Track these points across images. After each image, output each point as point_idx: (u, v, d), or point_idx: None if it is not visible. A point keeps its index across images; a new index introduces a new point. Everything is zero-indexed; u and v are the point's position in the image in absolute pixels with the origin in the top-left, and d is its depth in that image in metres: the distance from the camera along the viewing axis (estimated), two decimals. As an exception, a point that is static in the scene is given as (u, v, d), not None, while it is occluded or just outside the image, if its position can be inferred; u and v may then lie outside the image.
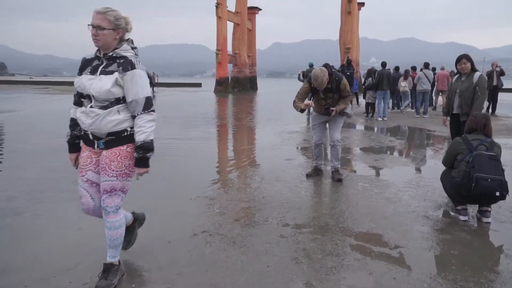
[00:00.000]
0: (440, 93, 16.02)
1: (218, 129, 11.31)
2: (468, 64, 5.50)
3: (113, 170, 2.46)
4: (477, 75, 5.45)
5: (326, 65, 5.25)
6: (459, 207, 3.90)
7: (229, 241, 3.30)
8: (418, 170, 6.21)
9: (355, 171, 5.99)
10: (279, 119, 13.22)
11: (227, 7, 33.40)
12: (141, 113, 2.43)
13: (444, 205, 4.30)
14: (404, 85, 14.31)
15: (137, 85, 2.40)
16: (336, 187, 5.02)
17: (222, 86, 34.34)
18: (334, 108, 5.08)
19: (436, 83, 14.68)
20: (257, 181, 5.26)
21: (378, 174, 5.84)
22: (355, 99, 18.24)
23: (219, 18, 32.88)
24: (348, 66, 14.13)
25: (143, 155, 2.43)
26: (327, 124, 5.45)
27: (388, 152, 7.66)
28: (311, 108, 5.64)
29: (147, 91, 2.48)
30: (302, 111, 5.16)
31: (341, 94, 5.15)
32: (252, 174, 5.71)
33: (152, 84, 33.76)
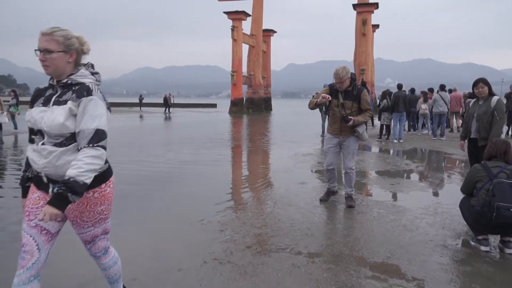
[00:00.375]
0: (454, 115, 15.94)
1: (231, 151, 11.31)
2: (486, 88, 5.41)
3: (86, 222, 2.14)
4: (495, 99, 5.34)
5: (352, 76, 4.98)
6: (479, 237, 3.75)
7: (240, 270, 3.22)
8: (436, 195, 6.04)
9: (370, 195, 5.86)
10: (294, 140, 13.17)
11: (242, 30, 33.99)
12: (85, 146, 1.96)
13: (464, 234, 4.14)
14: (424, 107, 14.23)
15: (88, 113, 1.98)
16: (350, 213, 4.91)
17: (237, 107, 34.61)
18: (352, 118, 4.80)
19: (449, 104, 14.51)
20: (270, 206, 5.18)
21: (394, 199, 5.70)
22: (370, 120, 18.10)
23: (234, 40, 33.46)
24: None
25: (62, 192, 1.86)
26: (341, 148, 5.17)
27: (405, 176, 7.50)
28: (325, 129, 5.49)
29: (100, 122, 2.00)
30: (315, 107, 4.94)
31: (361, 105, 4.93)
32: (265, 198, 5.64)
33: (168, 105, 34.43)
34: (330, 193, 5.48)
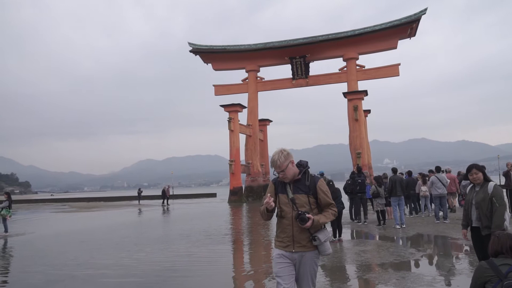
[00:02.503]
0: (451, 195, 15.91)
1: (230, 246, 10.77)
2: (480, 174, 5.27)
3: None
4: (491, 185, 5.17)
5: (301, 162, 3.74)
6: None
7: None
8: (446, 291, 5.52)
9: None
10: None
11: (239, 120, 35.15)
12: None
13: None
14: (424, 189, 14.09)
15: None
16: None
17: (236, 195, 34.32)
18: (311, 216, 3.37)
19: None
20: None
21: (400, 299, 5.19)
22: (370, 204, 17.67)
23: (231, 131, 34.40)
24: (358, 173, 14.01)
25: None
26: (294, 267, 3.53)
27: (411, 268, 6.99)
28: (273, 244, 3.73)
29: None
30: (268, 215, 3.59)
31: (319, 200, 3.53)
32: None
33: (166, 197, 34.29)
34: None
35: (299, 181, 3.58)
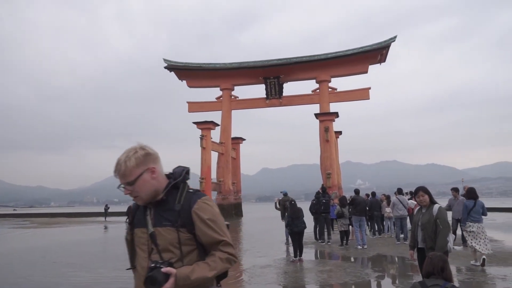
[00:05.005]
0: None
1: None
2: (426, 197, 5.46)
3: None
4: (436, 207, 5.36)
5: (172, 173, 2.11)
6: None
7: None
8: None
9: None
10: (254, 250, 12.61)
11: (211, 138, 35.07)
12: None
13: None
14: (389, 210, 14.37)
15: None
16: None
17: (206, 213, 33.94)
18: (172, 271, 1.82)
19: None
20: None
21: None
22: (332, 225, 17.77)
23: (203, 148, 34.23)
24: (323, 193, 14.17)
25: None
26: None
27: (364, 289, 7.07)
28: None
29: None
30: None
31: (199, 238, 1.98)
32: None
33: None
34: None
35: (165, 203, 2.00)
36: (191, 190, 2.05)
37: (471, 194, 9.15)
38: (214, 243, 1.96)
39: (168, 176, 2.07)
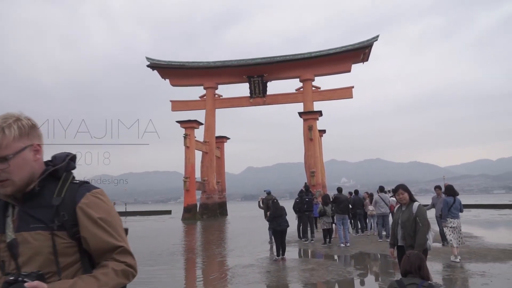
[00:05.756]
0: None
1: (171, 266, 10.45)
2: (406, 195, 5.47)
3: None
4: (415, 205, 5.37)
5: (51, 160, 1.57)
6: None
7: None
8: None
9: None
10: (237, 249, 12.53)
11: (195, 137, 34.82)
12: None
13: None
14: (372, 208, 14.46)
15: None
16: None
17: (190, 213, 33.67)
18: (40, 285, 1.28)
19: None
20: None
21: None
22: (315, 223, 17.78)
23: (187, 147, 33.95)
24: (306, 192, 14.19)
25: None
26: None
27: (347, 287, 7.07)
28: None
29: None
30: None
31: (85, 244, 1.46)
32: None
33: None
34: None
35: (37, 197, 1.49)
36: (76, 181, 1.54)
37: (450, 191, 9.39)
38: (107, 251, 1.46)
39: (46, 163, 1.54)
